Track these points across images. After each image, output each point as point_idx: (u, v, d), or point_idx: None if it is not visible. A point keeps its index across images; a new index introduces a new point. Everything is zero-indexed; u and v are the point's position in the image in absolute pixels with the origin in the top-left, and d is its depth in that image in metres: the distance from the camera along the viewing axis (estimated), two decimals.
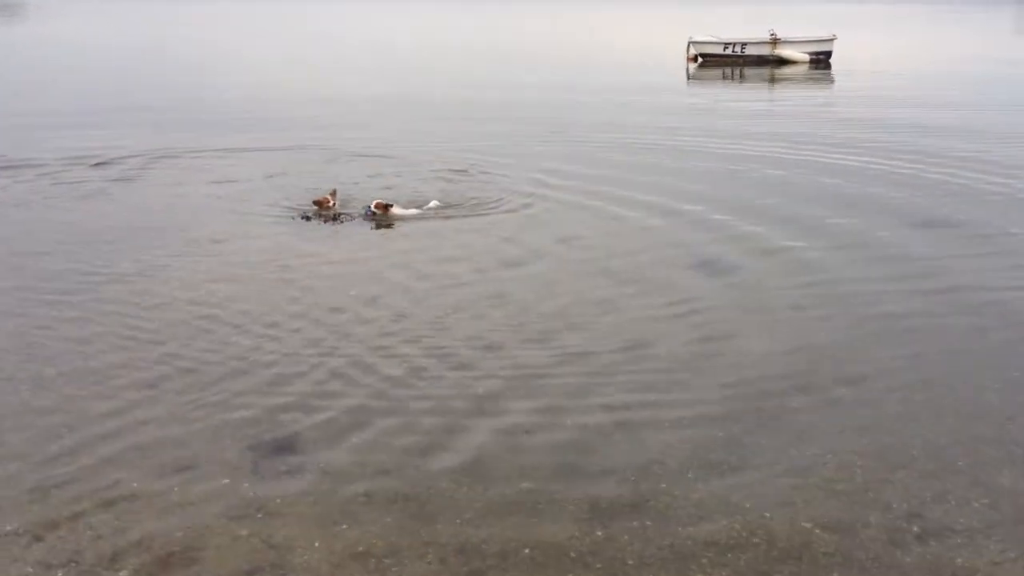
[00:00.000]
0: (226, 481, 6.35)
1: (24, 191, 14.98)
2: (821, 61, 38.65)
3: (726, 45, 39.46)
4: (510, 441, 6.91)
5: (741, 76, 37.43)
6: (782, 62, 38.90)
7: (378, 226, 12.79)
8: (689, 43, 39.96)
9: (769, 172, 16.64)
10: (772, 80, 36.16)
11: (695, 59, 40.32)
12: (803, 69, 38.37)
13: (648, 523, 5.89)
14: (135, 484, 6.32)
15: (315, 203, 13.25)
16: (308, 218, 13.09)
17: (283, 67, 38.62)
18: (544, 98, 27.67)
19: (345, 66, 39.40)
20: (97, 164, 17.49)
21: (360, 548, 5.64)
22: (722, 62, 39.30)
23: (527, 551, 5.60)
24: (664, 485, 6.30)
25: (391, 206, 13.12)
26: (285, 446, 6.84)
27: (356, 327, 9.02)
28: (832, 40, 39.29)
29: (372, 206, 12.78)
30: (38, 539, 5.72)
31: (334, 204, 13.27)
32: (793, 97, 30.36)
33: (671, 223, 12.96)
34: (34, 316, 9.31)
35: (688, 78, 37.11)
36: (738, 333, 8.88)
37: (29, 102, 26.17)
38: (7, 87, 29.74)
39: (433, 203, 13.55)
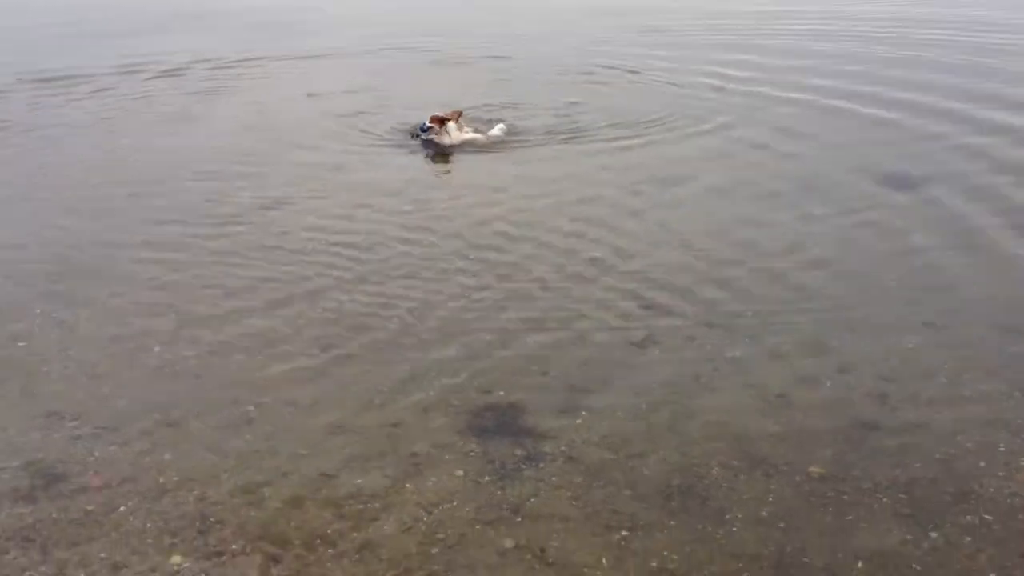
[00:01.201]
0: (460, 473, 5.36)
1: (97, 108, 13.77)
2: None
3: None
4: (782, 412, 5.85)
5: None
6: None
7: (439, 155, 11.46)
8: None
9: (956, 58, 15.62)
10: None
11: None
12: None
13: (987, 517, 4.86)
14: (358, 481, 5.31)
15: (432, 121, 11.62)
16: (417, 136, 11.81)
17: None
18: None
19: None
20: (164, 72, 16.29)
21: (653, 563, 4.67)
22: None
23: (860, 564, 4.60)
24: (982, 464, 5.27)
25: (447, 120, 11.41)
26: (509, 422, 5.83)
27: (548, 270, 7.92)
28: None
29: (427, 122, 11.31)
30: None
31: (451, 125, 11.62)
32: None
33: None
34: (152, 274, 8.29)
35: None
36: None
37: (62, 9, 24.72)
38: None
39: (499, 128, 12.00)
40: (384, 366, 6.56)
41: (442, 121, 11.15)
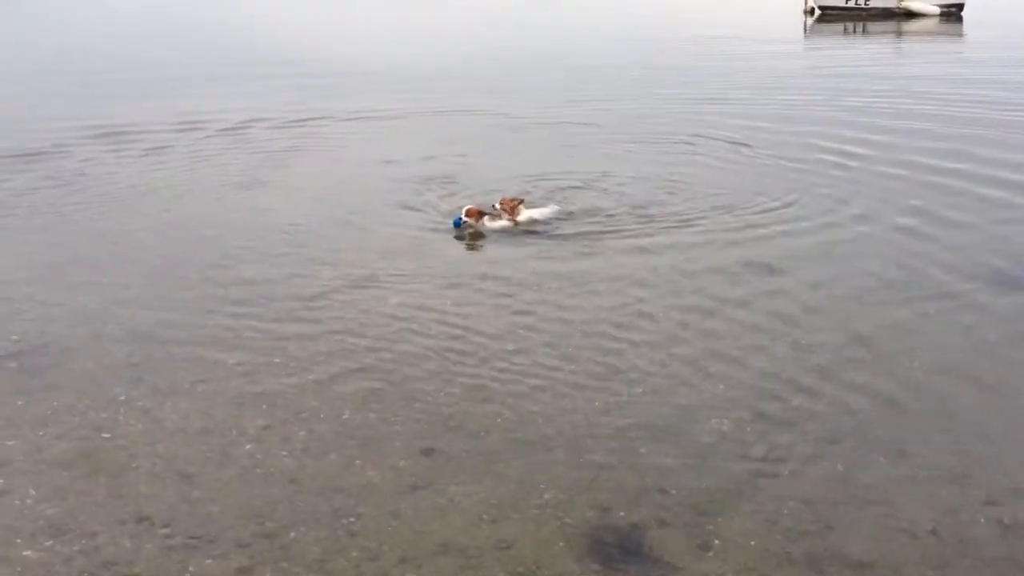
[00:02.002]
0: None
1: (158, 168, 13.62)
2: (952, 14, 36.06)
3: None
4: (938, 552, 5.36)
5: (864, 31, 35.13)
6: (910, 15, 36.37)
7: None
8: None
9: None
10: (899, 35, 33.83)
11: (811, 12, 37.94)
12: (932, 23, 35.89)
13: None
14: None
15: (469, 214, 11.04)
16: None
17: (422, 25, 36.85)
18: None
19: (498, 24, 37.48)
20: (223, 131, 16.21)
21: None
22: (843, 16, 36.88)
23: None
24: None
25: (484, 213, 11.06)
26: (633, 549, 5.38)
27: (652, 370, 7.50)
28: None
29: (463, 214, 10.85)
30: None
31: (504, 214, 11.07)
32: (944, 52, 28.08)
33: None
34: (236, 360, 8.00)
35: (806, 33, 34.88)
36: None
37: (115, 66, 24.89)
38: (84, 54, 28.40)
39: (550, 208, 11.46)
40: (489, 475, 6.16)
41: (480, 213, 10.79)
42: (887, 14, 36.46)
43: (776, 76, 22.87)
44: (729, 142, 15.40)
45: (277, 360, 7.85)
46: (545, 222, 11.14)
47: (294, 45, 30.52)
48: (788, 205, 11.72)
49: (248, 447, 6.53)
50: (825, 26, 36.01)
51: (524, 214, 11.06)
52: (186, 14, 38.51)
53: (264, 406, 7.10)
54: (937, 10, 36.23)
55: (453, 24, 35.74)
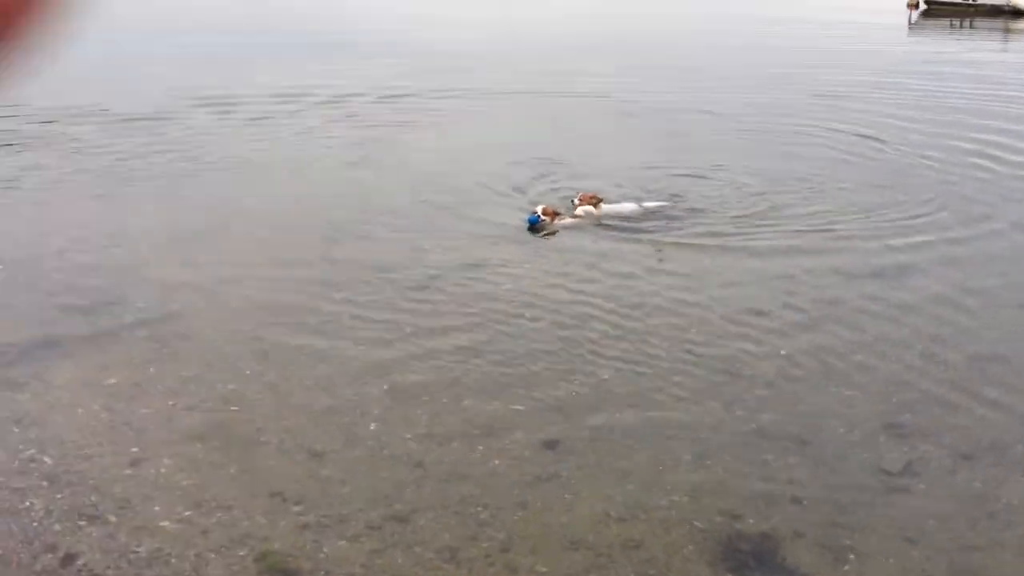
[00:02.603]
0: None
1: (264, 139, 13.76)
2: None
3: None
4: None
5: (972, 27, 34.07)
6: (1018, 13, 35.19)
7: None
8: None
9: None
10: (1008, 32, 32.75)
11: (916, 6, 36.89)
12: None
13: None
14: None
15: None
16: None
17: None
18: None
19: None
20: (327, 102, 16.33)
21: None
22: (950, 11, 35.81)
23: None
24: None
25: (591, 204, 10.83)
26: (768, 559, 5.29)
27: (774, 373, 7.43)
28: None
29: (539, 212, 10.41)
30: None
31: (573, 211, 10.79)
32: None
33: None
34: (359, 336, 8.12)
35: (911, 26, 33.94)
36: None
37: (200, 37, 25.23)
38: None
39: (629, 206, 11.16)
40: (613, 472, 6.13)
41: (555, 213, 10.40)
42: (995, 11, 35.30)
43: (890, 69, 22.25)
44: (857, 135, 14.95)
45: (395, 342, 7.90)
46: (623, 218, 10.85)
47: (390, 20, 30.67)
48: (925, 204, 11.31)
49: (373, 427, 6.58)
50: (930, 21, 35.00)
51: (602, 208, 10.83)
52: None
53: (385, 387, 7.15)
54: None
55: (558, 9, 35.60)
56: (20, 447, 6.22)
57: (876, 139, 14.89)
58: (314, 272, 9.30)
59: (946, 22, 34.80)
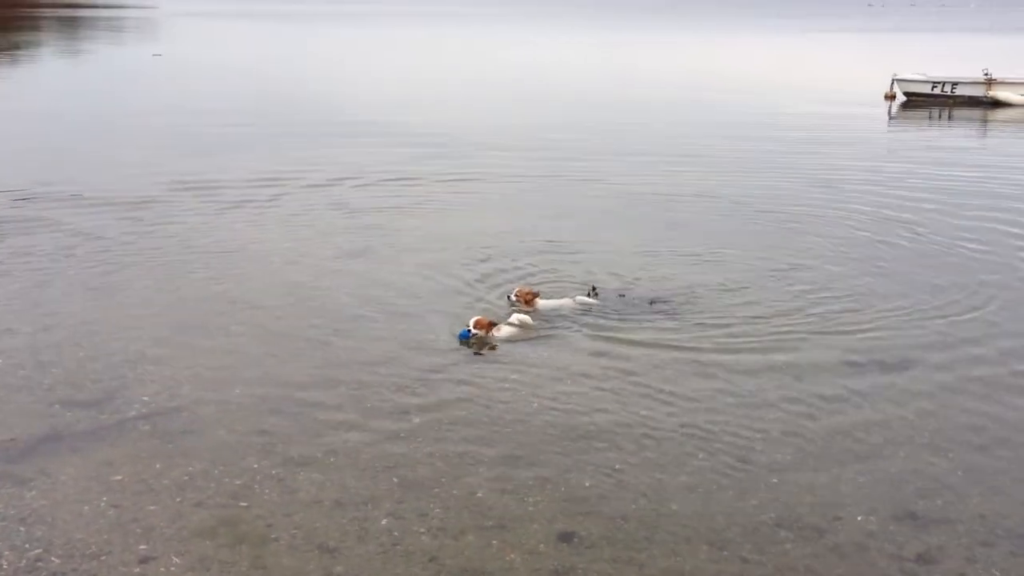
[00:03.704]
0: None
1: (254, 225, 13.80)
2: None
3: (935, 84, 36.77)
4: None
5: (950, 118, 34.80)
6: (996, 104, 36.00)
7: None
8: (893, 80, 37.38)
9: None
10: (986, 123, 33.47)
11: (894, 97, 37.72)
12: (1021, 113, 35.44)
13: None
14: None
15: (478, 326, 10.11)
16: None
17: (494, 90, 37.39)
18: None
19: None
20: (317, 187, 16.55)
21: None
22: (929, 102, 36.62)
23: None
24: None
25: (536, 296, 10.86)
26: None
27: (779, 454, 7.40)
28: None
29: (471, 324, 9.92)
30: None
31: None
32: None
33: None
34: (365, 438, 8.15)
35: (891, 117, 34.66)
36: None
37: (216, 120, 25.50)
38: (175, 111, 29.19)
39: (568, 300, 11.11)
40: (632, 565, 6.16)
41: (490, 324, 9.92)
42: (973, 102, 36.10)
43: (881, 155, 22.67)
44: (887, 220, 15.28)
45: (403, 433, 7.87)
46: (562, 315, 10.77)
47: (378, 102, 31.09)
48: (936, 292, 11.46)
49: (384, 522, 6.50)
50: (909, 112, 35.75)
51: (540, 304, 10.82)
52: (263, 70, 39.65)
53: (395, 479, 7.08)
54: None
55: (552, 85, 36.19)
56: (26, 546, 6.13)
57: (899, 221, 15.19)
58: (315, 365, 9.28)
59: (925, 113, 35.53)
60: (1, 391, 8.51)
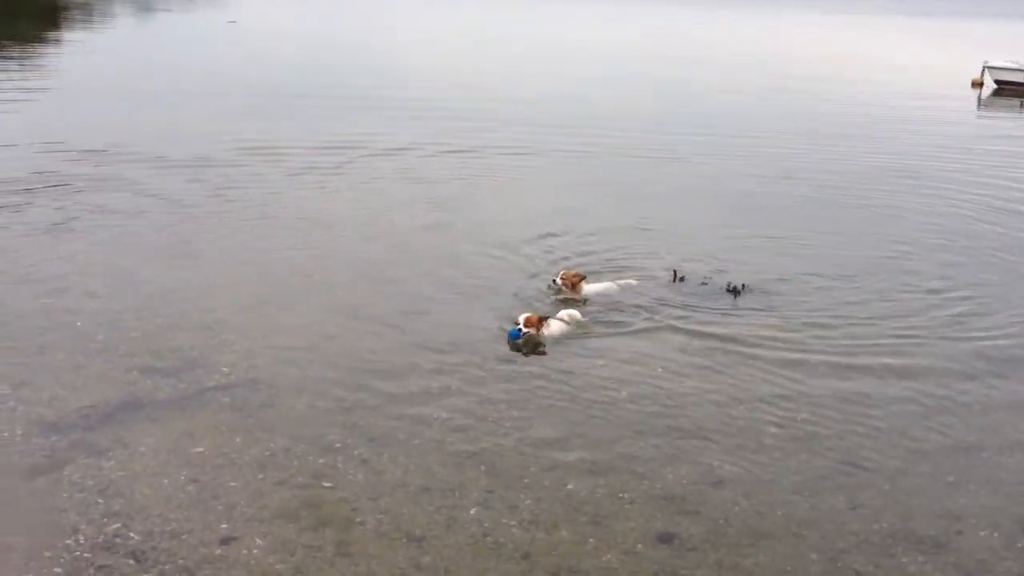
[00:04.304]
0: None
1: (323, 190, 13.52)
2: None
3: None
4: None
5: None
6: None
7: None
8: (984, 68, 36.06)
9: None
10: None
11: (980, 85, 36.42)
12: None
13: None
14: None
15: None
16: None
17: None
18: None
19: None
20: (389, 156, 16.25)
21: None
22: (1019, 91, 35.30)
23: None
24: None
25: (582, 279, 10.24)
26: None
27: (887, 457, 6.97)
28: None
29: (521, 323, 8.98)
30: None
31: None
32: None
33: None
34: (448, 414, 7.87)
35: (980, 106, 33.45)
36: None
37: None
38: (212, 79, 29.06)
39: (614, 284, 10.69)
40: (738, 572, 5.65)
41: (540, 320, 9.04)
42: None
43: (975, 144, 21.76)
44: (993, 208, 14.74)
45: (489, 418, 7.54)
46: (609, 298, 10.33)
47: (442, 75, 30.83)
48: None
49: (474, 511, 6.18)
50: (999, 100, 34.49)
51: (585, 289, 10.30)
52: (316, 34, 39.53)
53: (483, 467, 6.76)
54: None
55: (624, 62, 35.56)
56: (105, 520, 5.91)
57: (1005, 211, 14.57)
58: (392, 347, 9.00)
59: (1016, 102, 34.26)
60: (80, 356, 8.31)
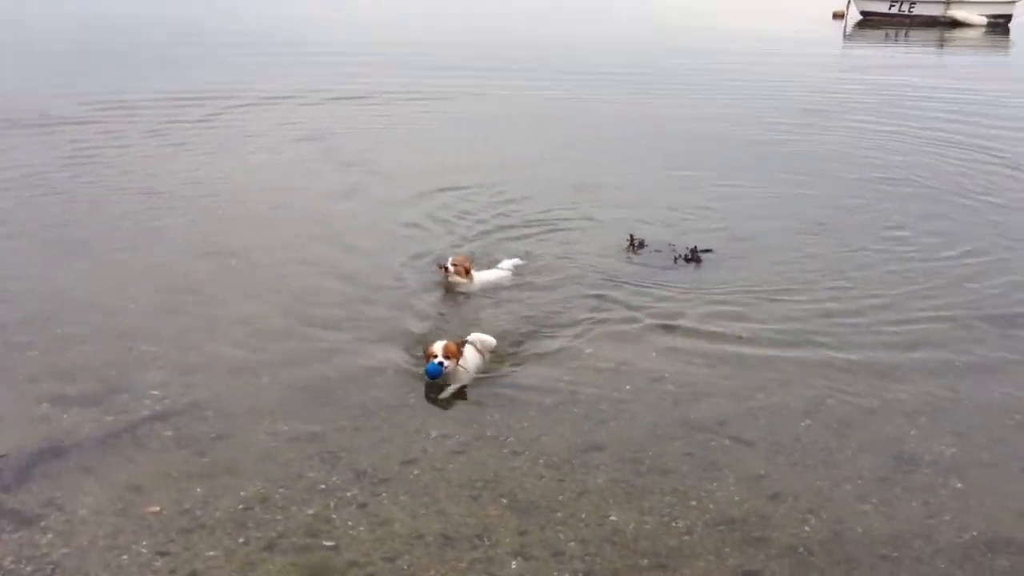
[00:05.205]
0: None
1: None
2: (999, 25, 35.04)
3: (892, 3, 35.86)
4: None
5: (907, 37, 34.06)
6: (955, 24, 35.31)
7: None
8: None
9: None
10: (942, 43, 32.80)
11: (842, 16, 36.82)
12: (977, 33, 34.84)
13: None
14: None
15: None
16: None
17: None
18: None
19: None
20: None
21: None
22: (886, 22, 35.77)
23: None
24: None
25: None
26: None
27: (955, 455, 6.35)
28: (1014, 2, 35.62)
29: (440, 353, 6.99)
30: None
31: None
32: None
33: None
34: None
35: (845, 37, 33.77)
36: None
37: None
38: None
39: (512, 262, 9.56)
40: None
41: (459, 349, 7.11)
42: (931, 22, 35.35)
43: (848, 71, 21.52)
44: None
45: (487, 434, 6.42)
46: (500, 286, 9.18)
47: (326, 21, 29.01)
48: None
49: (515, 565, 5.10)
50: (865, 31, 34.87)
51: (475, 279, 9.06)
52: None
53: (503, 500, 5.71)
54: (984, 20, 35.11)
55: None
56: None
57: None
58: (358, 339, 7.76)
59: (881, 32, 34.68)
60: None
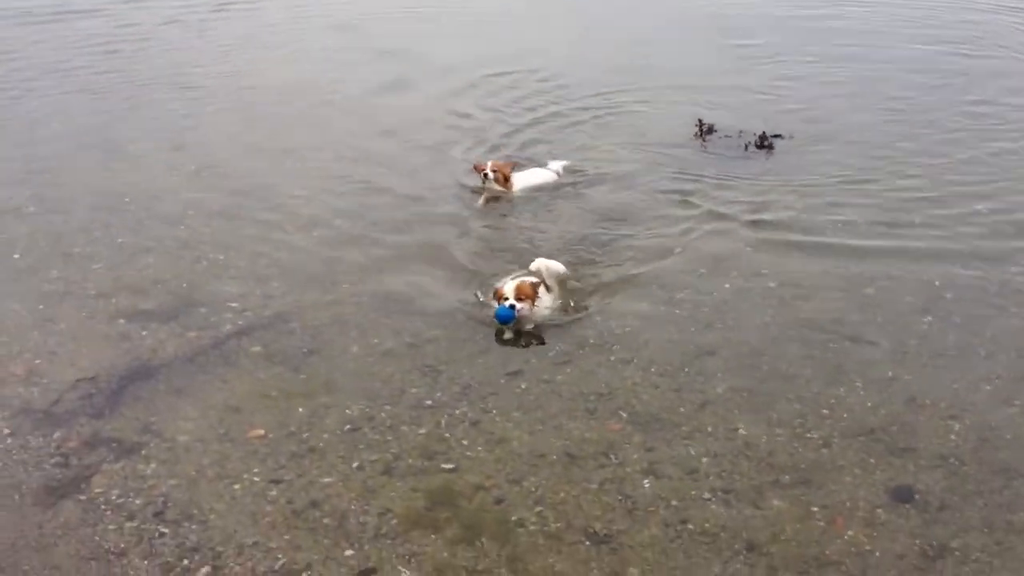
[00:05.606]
0: None
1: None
2: None
3: None
4: None
5: None
6: None
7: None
8: None
9: None
10: None
11: None
12: None
13: None
14: None
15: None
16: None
17: None
18: None
19: None
20: None
21: None
22: None
23: None
24: None
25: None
26: None
27: None
28: None
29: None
30: None
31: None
32: None
33: None
34: None
35: None
36: None
37: None
38: None
39: (560, 163, 8.88)
40: None
41: (534, 289, 6.33)
42: None
43: None
44: None
45: (591, 341, 6.13)
46: (538, 189, 8.55)
47: None
48: None
49: (648, 484, 4.88)
50: None
51: (515, 183, 8.49)
52: None
53: (622, 413, 5.53)
54: None
55: None
56: (184, 563, 4.23)
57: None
58: (440, 240, 7.45)
59: None
60: (38, 303, 6.48)
